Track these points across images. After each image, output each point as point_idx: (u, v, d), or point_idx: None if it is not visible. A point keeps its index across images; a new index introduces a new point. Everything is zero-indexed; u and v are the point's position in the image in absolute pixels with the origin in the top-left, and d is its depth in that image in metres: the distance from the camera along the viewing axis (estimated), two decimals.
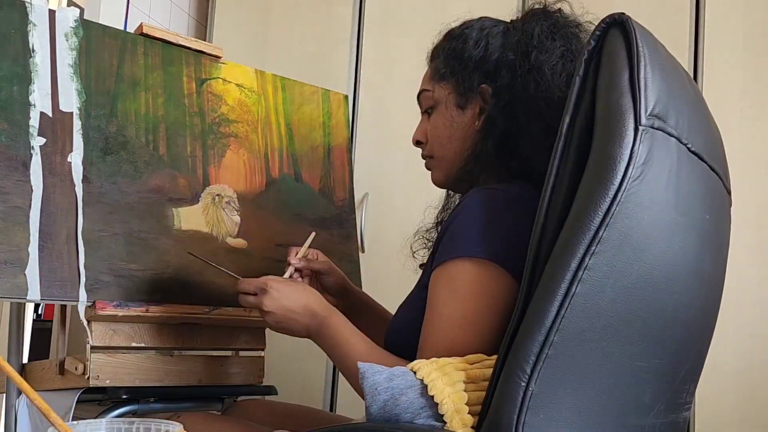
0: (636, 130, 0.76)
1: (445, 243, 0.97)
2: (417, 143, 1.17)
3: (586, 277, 0.76)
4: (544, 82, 0.99)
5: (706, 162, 0.88)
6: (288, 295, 1.05)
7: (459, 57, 1.10)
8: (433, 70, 1.15)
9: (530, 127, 1.00)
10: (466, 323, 0.91)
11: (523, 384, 0.77)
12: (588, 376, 0.80)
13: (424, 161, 1.18)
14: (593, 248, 0.76)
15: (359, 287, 1.56)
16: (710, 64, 1.88)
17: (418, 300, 1.03)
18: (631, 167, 0.76)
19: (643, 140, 0.76)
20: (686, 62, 1.89)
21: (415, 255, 1.26)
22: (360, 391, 0.87)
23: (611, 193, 0.75)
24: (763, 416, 1.74)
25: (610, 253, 0.77)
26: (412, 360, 0.90)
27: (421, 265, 1.21)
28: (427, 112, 1.15)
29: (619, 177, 0.75)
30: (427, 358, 0.89)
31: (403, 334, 1.04)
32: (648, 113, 0.77)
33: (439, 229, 1.18)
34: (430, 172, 1.17)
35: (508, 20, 1.12)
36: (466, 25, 1.13)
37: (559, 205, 0.80)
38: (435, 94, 1.13)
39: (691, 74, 1.87)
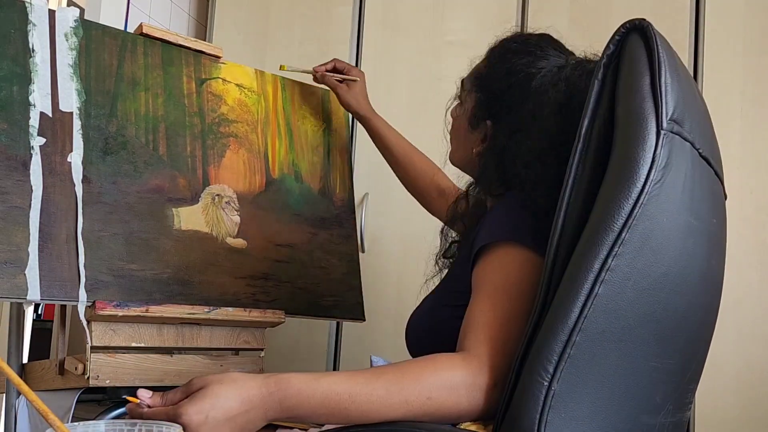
0: (658, 134, 0.77)
1: (484, 231, 0.97)
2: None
3: (608, 278, 0.77)
4: (543, 121, 0.99)
5: (712, 166, 0.90)
6: (214, 404, 0.80)
7: (488, 82, 1.13)
8: (477, 69, 1.18)
9: (523, 155, 1.01)
10: (512, 293, 0.90)
11: (545, 383, 0.78)
12: (606, 376, 0.81)
13: None
14: (616, 249, 0.77)
15: (359, 287, 1.56)
16: (710, 64, 1.88)
17: (444, 289, 1.06)
18: (653, 170, 0.77)
19: (664, 144, 0.78)
20: (686, 62, 1.89)
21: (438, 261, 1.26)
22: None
23: (634, 195, 0.76)
24: (763, 416, 1.74)
25: (632, 254, 0.78)
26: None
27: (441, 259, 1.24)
28: (459, 97, 1.22)
29: (642, 179, 0.76)
30: (476, 322, 0.88)
31: (425, 323, 1.05)
32: (668, 118, 0.78)
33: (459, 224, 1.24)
34: None
35: (569, 52, 1.11)
36: (513, 50, 1.13)
37: (577, 208, 0.81)
38: (466, 94, 1.19)
39: (691, 74, 1.87)
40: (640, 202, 0.76)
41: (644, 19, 0.83)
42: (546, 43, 1.13)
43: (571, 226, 0.81)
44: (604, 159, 0.80)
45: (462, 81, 1.22)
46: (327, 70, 1.58)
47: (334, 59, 1.61)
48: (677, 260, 0.82)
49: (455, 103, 1.25)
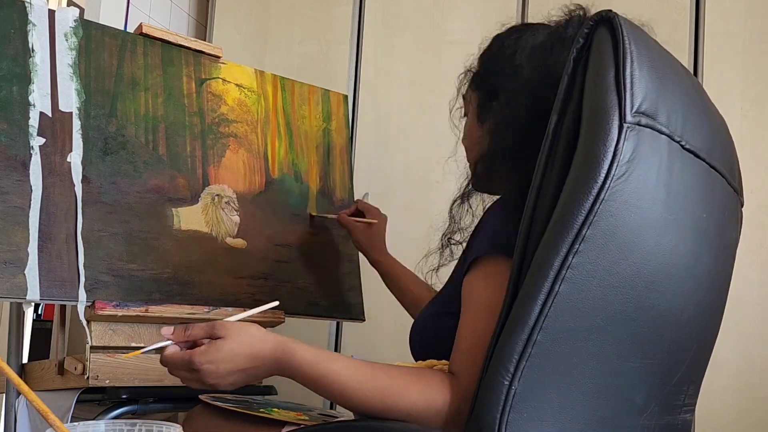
0: (621, 127, 0.75)
1: (477, 240, 0.96)
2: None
3: (569, 276, 0.75)
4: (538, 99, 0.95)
5: (704, 160, 0.87)
6: (225, 358, 0.88)
7: (486, 70, 1.10)
8: (473, 74, 1.15)
9: (529, 144, 0.96)
10: (499, 312, 0.87)
11: (506, 383, 0.77)
12: (574, 376, 0.79)
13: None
14: (576, 247, 0.75)
15: (359, 287, 1.56)
16: (710, 64, 1.88)
17: (445, 295, 1.04)
18: (615, 165, 0.75)
19: (628, 138, 0.75)
20: (686, 62, 1.89)
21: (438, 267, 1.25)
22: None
23: (594, 192, 0.74)
24: (763, 416, 1.74)
25: (595, 251, 0.76)
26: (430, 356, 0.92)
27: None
28: (466, 114, 1.17)
29: (603, 175, 0.74)
30: (464, 345, 0.88)
31: (427, 329, 1.05)
32: (634, 110, 0.76)
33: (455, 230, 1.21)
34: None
35: (552, 25, 1.04)
36: (505, 37, 1.10)
37: (546, 205, 0.79)
38: (467, 101, 1.15)
39: (691, 73, 1.87)
40: (601, 198, 0.74)
41: (611, 11, 0.81)
42: (536, 24, 1.09)
43: (539, 225, 0.79)
44: (573, 156, 0.78)
45: (464, 94, 1.17)
46: (350, 213, 1.52)
47: (358, 200, 1.56)
48: (651, 257, 0.79)
49: (463, 116, 1.20)
